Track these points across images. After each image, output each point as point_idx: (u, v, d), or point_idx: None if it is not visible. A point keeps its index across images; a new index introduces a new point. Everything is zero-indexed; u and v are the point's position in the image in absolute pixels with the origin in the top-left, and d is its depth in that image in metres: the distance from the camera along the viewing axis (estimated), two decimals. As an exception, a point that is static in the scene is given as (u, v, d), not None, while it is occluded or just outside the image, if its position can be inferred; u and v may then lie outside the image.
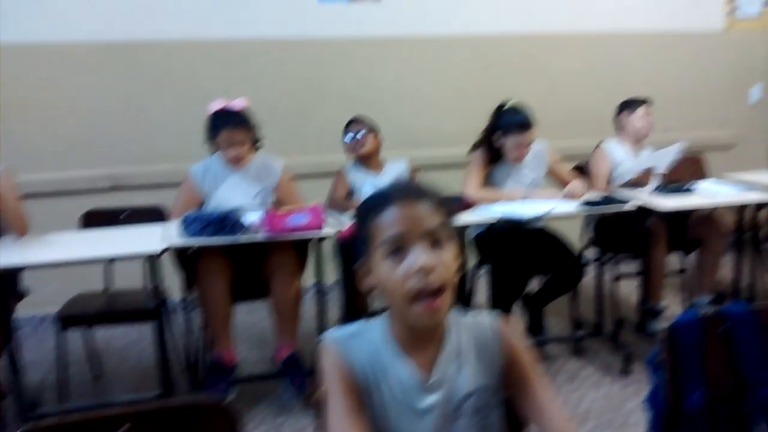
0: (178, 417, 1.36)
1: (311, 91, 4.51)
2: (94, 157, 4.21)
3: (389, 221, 1.19)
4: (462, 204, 3.37)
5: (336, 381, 1.23)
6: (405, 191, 1.23)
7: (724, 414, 1.68)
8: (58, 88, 4.13)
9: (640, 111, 3.85)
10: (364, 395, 1.24)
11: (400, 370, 1.25)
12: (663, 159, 3.70)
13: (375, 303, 3.38)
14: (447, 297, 1.19)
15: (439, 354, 1.27)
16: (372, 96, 4.46)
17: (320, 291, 3.16)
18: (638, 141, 3.90)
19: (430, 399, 1.25)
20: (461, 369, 1.28)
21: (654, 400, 1.74)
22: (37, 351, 3.91)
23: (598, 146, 3.90)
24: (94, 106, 4.19)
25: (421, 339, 1.26)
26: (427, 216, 1.19)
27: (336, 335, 1.29)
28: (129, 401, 3.16)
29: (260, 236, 2.95)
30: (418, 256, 1.16)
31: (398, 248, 1.17)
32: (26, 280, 3.28)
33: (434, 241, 1.18)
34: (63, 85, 4.14)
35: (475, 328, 1.31)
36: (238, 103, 3.28)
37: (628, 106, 3.90)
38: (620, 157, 3.86)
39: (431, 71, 4.70)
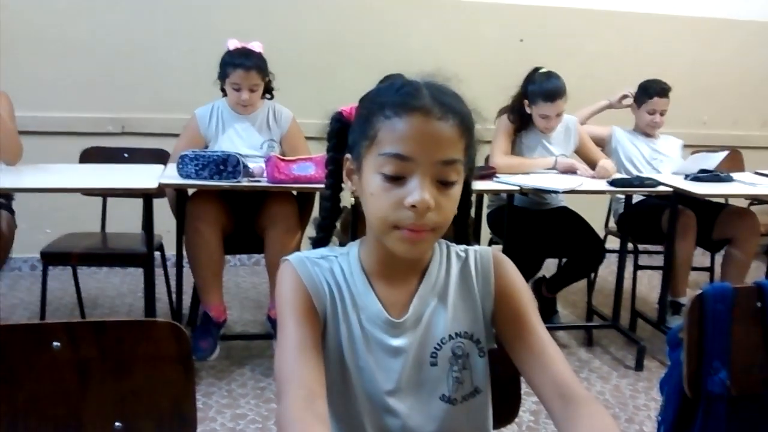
0: (122, 333, 1.20)
1: (333, 52, 4.30)
2: (102, 100, 4.03)
3: (401, 132, 0.97)
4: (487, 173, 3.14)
5: (294, 307, 1.04)
6: (435, 99, 0.98)
7: (747, 402, 1.47)
8: (69, 23, 3.96)
9: (651, 105, 3.54)
10: (326, 327, 1.06)
11: (371, 304, 1.07)
12: (709, 162, 3.44)
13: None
14: (435, 235, 1.01)
15: (417, 290, 1.08)
16: (396, 61, 4.19)
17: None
18: (648, 132, 3.64)
19: (403, 340, 1.06)
20: (441, 309, 1.08)
21: (670, 381, 1.53)
22: (29, 292, 3.81)
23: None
24: (105, 46, 4.01)
25: (397, 271, 1.08)
26: (448, 142, 0.98)
27: (302, 255, 1.10)
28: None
29: (262, 183, 2.77)
30: (418, 192, 0.96)
31: (399, 173, 0.97)
32: (25, 222, 3.14)
33: (442, 177, 0.98)
34: (75, 21, 3.97)
35: (463, 263, 1.12)
36: (256, 46, 3.09)
37: (640, 96, 3.60)
38: (628, 147, 3.61)
39: (461, 39, 4.45)
